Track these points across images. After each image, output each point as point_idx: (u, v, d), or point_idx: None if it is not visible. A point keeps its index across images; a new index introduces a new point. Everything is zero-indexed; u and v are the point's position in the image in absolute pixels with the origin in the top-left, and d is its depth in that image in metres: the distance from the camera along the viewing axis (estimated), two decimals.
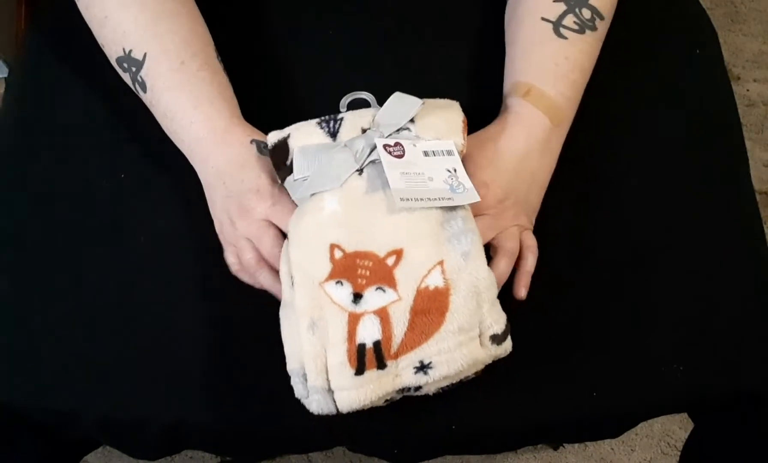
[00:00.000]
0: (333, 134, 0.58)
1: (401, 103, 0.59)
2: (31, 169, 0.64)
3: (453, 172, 0.57)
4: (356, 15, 0.70)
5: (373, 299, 0.52)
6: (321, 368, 0.52)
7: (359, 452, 0.65)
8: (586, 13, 0.62)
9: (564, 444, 1.09)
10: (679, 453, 0.80)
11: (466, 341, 0.52)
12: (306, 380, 0.52)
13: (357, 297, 0.52)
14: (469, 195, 0.56)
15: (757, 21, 1.44)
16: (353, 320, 0.52)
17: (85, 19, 0.63)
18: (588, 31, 0.62)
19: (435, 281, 0.52)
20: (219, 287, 0.60)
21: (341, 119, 0.59)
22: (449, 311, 0.52)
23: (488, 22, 0.69)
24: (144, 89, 0.61)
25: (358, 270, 0.53)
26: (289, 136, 0.58)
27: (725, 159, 0.68)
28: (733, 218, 0.65)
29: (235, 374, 0.58)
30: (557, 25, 0.62)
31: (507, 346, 0.54)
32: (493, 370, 0.55)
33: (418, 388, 0.53)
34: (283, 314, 0.55)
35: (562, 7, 0.62)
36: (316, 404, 0.52)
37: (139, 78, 0.60)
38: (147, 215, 0.62)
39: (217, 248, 0.60)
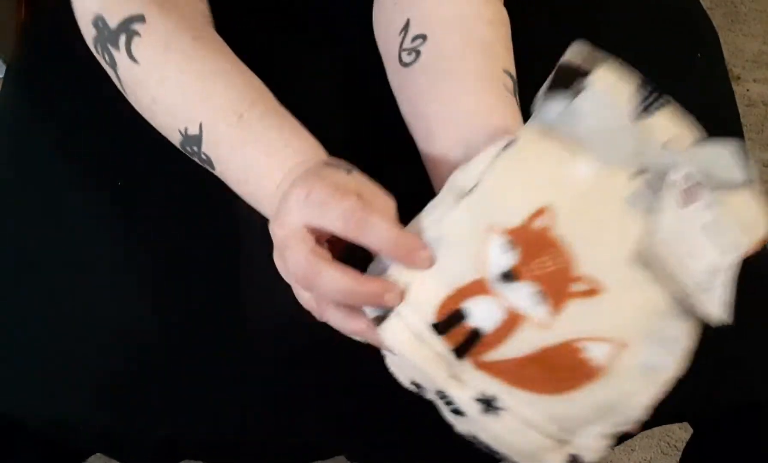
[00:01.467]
0: (643, 110, 0.44)
1: (726, 158, 0.44)
2: (29, 170, 0.64)
3: (714, 275, 0.42)
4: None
5: (522, 296, 0.39)
6: (405, 284, 0.41)
7: (358, 462, 0.65)
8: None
9: None
10: (679, 453, 0.80)
11: (551, 435, 0.41)
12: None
13: (509, 277, 0.39)
14: (712, 310, 0.42)
15: (757, 21, 1.44)
16: (479, 287, 0.39)
17: (139, 111, 0.57)
18: None
19: (597, 354, 0.39)
20: (216, 298, 0.59)
21: (664, 104, 0.45)
22: (574, 393, 0.39)
23: None
24: (212, 166, 0.54)
25: (539, 257, 0.39)
26: (591, 72, 0.44)
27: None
28: None
29: (232, 386, 0.57)
30: None
31: None
32: None
33: (459, 412, 0.41)
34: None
35: None
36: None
37: (203, 156, 0.53)
38: (146, 222, 0.61)
39: (215, 258, 0.60)
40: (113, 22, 0.53)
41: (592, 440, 0.41)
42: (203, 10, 0.58)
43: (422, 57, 0.55)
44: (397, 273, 0.42)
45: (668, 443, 1.12)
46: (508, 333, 0.39)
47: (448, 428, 0.58)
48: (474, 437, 0.42)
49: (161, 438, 0.58)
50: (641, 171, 0.42)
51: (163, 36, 0.53)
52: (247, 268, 0.60)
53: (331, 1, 0.68)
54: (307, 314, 0.49)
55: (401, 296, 0.42)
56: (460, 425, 0.42)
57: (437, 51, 0.54)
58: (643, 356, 0.40)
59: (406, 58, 0.56)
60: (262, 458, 0.62)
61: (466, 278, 0.40)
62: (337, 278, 0.43)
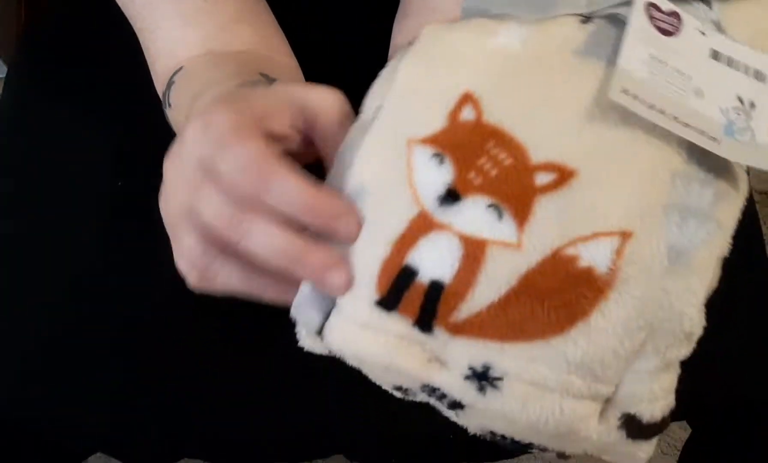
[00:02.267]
0: None
1: None
2: (28, 171, 0.64)
3: (747, 107, 0.32)
4: None
5: (474, 215, 0.30)
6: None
7: (356, 460, 0.65)
8: None
9: None
10: (679, 453, 0.80)
11: (580, 393, 0.29)
12: None
13: (451, 196, 0.30)
14: (760, 156, 0.31)
15: None
16: (420, 226, 0.30)
17: None
18: None
19: (595, 256, 0.29)
20: (219, 297, 0.59)
21: None
22: (588, 321, 0.29)
23: None
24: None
25: (480, 158, 0.30)
26: None
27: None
28: None
29: (231, 385, 0.57)
30: None
31: (643, 450, 0.31)
32: None
33: (456, 404, 0.32)
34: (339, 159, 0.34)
35: None
36: (303, 300, 0.34)
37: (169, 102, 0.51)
38: (146, 223, 0.61)
39: None
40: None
41: (642, 385, 0.30)
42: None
43: None
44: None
45: (668, 443, 1.12)
46: (474, 273, 0.29)
47: (449, 424, 0.58)
48: (492, 433, 0.33)
49: (161, 437, 0.58)
50: (584, 15, 0.33)
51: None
52: None
53: (344, 29, 0.68)
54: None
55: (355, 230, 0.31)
56: (467, 422, 0.33)
57: None
58: (662, 241, 0.29)
59: None
60: (261, 457, 0.62)
61: (403, 220, 0.30)
62: (292, 185, 0.31)
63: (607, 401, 0.30)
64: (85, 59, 0.67)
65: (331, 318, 0.33)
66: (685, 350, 0.32)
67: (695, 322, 0.31)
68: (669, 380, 0.31)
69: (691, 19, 0.33)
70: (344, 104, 0.36)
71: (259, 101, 0.35)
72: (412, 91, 0.32)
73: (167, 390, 0.57)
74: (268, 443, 0.60)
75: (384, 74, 0.35)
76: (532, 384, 0.29)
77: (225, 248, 0.35)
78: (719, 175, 0.32)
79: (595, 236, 0.29)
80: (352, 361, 0.34)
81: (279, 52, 0.56)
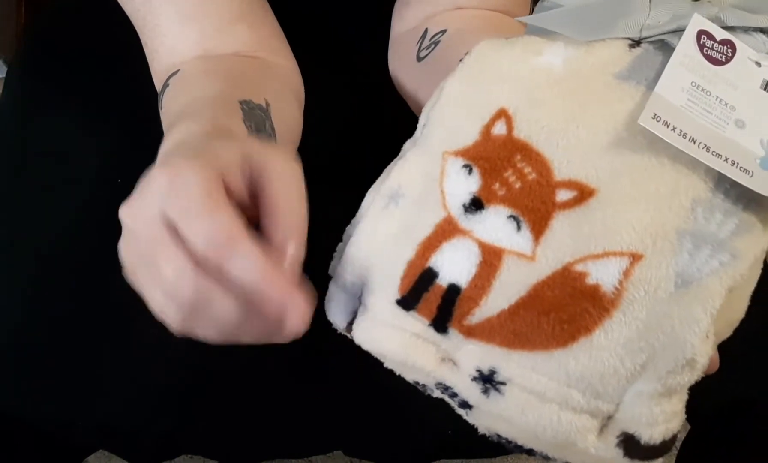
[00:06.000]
0: None
1: None
2: (28, 170, 0.64)
3: None
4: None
5: (495, 224, 0.31)
6: (363, 257, 0.33)
7: (355, 456, 0.65)
8: None
9: None
10: (677, 451, 0.80)
11: (579, 406, 0.30)
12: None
13: (475, 205, 0.31)
14: None
15: None
16: (445, 230, 0.31)
17: None
18: None
19: (603, 275, 0.29)
20: None
21: None
22: (590, 337, 0.29)
23: None
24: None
25: (506, 170, 0.31)
26: None
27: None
28: None
29: (230, 380, 0.57)
30: None
31: None
32: None
33: (465, 404, 0.33)
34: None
35: None
36: (331, 301, 0.35)
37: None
38: None
39: None
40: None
41: (642, 407, 0.30)
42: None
43: (442, 42, 0.52)
44: (358, 250, 0.34)
45: None
46: (489, 280, 0.30)
47: (447, 421, 0.58)
48: (498, 436, 0.34)
49: (160, 433, 0.58)
50: (645, 38, 0.33)
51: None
52: None
53: (343, 23, 0.68)
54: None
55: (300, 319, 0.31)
56: (476, 422, 0.34)
57: (458, 32, 0.51)
58: (671, 266, 0.29)
59: (424, 53, 0.53)
60: (260, 453, 0.63)
61: (430, 224, 0.31)
62: (255, 256, 0.31)
63: (609, 418, 0.31)
64: (84, 59, 0.67)
65: (359, 316, 0.34)
66: (688, 378, 0.31)
67: (697, 350, 0.30)
68: (672, 406, 0.31)
69: (746, 48, 0.33)
70: (299, 176, 0.35)
71: (222, 155, 0.35)
72: (455, 104, 0.34)
73: (167, 386, 0.57)
74: (268, 439, 0.60)
75: (434, 93, 0.36)
76: (533, 392, 0.30)
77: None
78: (748, 206, 0.32)
79: (606, 254, 0.30)
80: (376, 355, 0.35)
81: (277, 54, 0.56)
